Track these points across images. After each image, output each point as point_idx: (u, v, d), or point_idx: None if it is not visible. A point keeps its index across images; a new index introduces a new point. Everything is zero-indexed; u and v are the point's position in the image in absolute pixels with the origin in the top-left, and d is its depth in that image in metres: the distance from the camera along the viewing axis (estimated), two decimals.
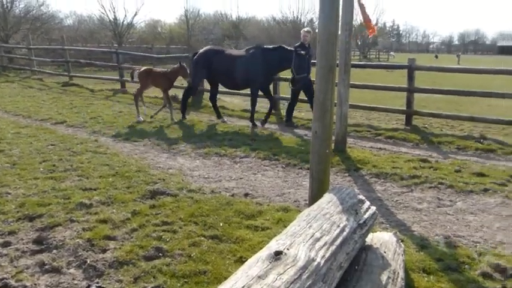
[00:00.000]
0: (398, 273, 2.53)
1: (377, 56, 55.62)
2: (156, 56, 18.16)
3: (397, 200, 4.63)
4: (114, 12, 34.64)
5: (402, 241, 3.53)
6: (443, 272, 3.06)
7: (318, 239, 2.03)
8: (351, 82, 6.65)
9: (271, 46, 8.28)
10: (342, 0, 5.66)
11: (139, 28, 42.79)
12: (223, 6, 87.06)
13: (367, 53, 57.15)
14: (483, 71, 9.09)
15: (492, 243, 3.61)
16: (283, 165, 5.80)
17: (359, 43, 52.73)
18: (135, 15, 35.98)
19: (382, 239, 2.91)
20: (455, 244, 3.56)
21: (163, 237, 3.57)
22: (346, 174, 5.47)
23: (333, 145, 6.56)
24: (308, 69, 8.03)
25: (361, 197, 2.79)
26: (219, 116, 8.94)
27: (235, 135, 7.56)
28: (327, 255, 1.96)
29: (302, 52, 7.70)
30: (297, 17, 52.28)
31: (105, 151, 6.36)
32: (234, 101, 11.82)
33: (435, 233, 3.81)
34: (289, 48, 8.01)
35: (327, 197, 2.68)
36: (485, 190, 4.82)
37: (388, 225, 3.97)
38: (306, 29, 8.68)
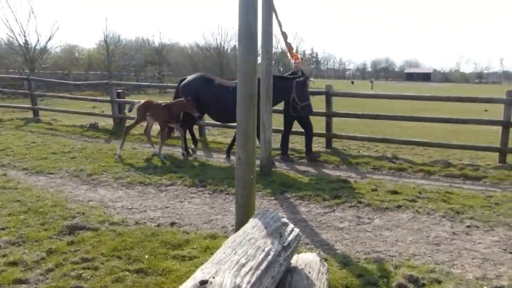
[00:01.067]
0: None
1: None
2: (73, 82, 17.33)
3: (320, 220, 4.81)
4: (24, 36, 32.44)
5: (326, 260, 3.68)
6: (364, 287, 3.22)
7: (243, 265, 2.05)
8: (274, 108, 6.91)
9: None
10: (261, 29, 5.92)
11: (55, 53, 40.65)
12: (145, 33, 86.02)
13: None
14: (392, 96, 9.92)
15: (406, 256, 3.88)
16: (210, 192, 5.79)
17: (281, 69, 54.73)
18: (49, 39, 34.06)
19: (306, 259, 3.00)
20: (374, 259, 3.77)
21: (83, 275, 3.35)
22: (272, 198, 5.59)
23: (258, 170, 6.73)
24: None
25: (285, 220, 2.87)
26: (188, 147, 8.21)
27: (160, 162, 7.41)
28: (253, 280, 1.98)
29: (301, 79, 7.33)
30: (220, 44, 53.35)
31: (16, 186, 5.88)
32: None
33: (356, 250, 4.01)
34: (286, 76, 7.77)
35: (252, 222, 2.72)
36: (399, 206, 5.20)
37: (313, 246, 4.10)
38: (296, 54, 8.30)
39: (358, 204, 5.28)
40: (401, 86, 60.56)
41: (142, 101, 8.08)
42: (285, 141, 8.13)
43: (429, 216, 4.93)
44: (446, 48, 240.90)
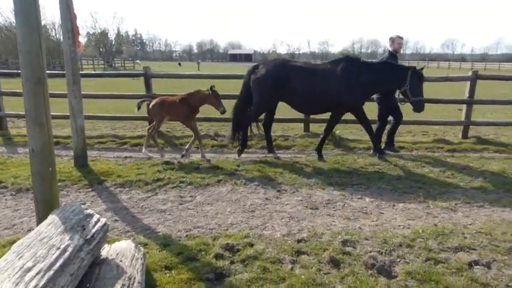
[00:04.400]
0: (135, 278, 2.54)
1: (123, 64, 55.30)
2: None
3: (142, 206, 4.70)
4: None
5: (146, 245, 3.62)
6: (183, 264, 3.28)
7: (29, 269, 1.83)
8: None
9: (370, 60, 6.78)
10: (60, 6, 5.33)
11: None
12: None
13: (112, 62, 56.23)
14: (215, 76, 10.20)
15: (224, 227, 4.09)
16: (13, 193, 5.06)
17: (102, 51, 51.15)
18: None
19: (119, 248, 2.88)
20: (194, 235, 3.87)
21: None
22: (90, 189, 5.21)
23: (72, 161, 6.18)
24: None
25: (88, 211, 2.67)
26: (271, 150, 6.99)
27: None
28: (42, 283, 1.79)
29: (419, 70, 6.35)
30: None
31: None
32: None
33: (178, 229, 4.05)
34: (398, 64, 6.65)
35: (49, 219, 2.46)
36: (219, 181, 5.45)
37: (133, 232, 3.98)
38: (399, 35, 7.01)
39: (181, 184, 5.33)
40: (226, 67, 63.37)
41: (156, 100, 6.67)
42: (381, 134, 7.11)
43: (246, 186, 5.30)
44: (264, 31, 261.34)
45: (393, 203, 4.78)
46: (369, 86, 6.35)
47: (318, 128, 8.57)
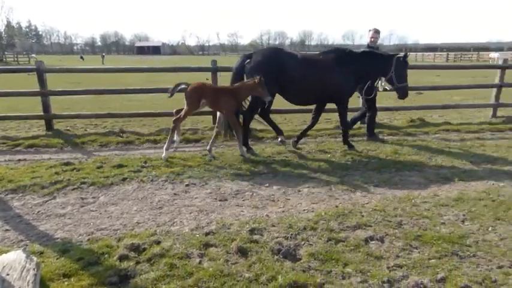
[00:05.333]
0: None
1: (16, 59, 50.20)
2: None
3: (39, 211, 4.33)
4: None
5: (42, 253, 3.35)
6: (84, 270, 3.08)
7: None
8: None
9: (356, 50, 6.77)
10: None
11: None
12: None
13: (3, 56, 50.85)
14: (108, 70, 9.70)
15: (130, 226, 3.93)
16: None
17: None
18: None
19: (6, 260, 2.62)
20: (97, 238, 3.67)
21: None
22: None
23: None
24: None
25: None
26: (280, 132, 7.24)
27: None
28: None
29: (402, 56, 6.57)
30: None
31: None
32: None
33: (79, 233, 3.80)
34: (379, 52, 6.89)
35: None
36: (124, 179, 5.22)
37: (28, 241, 3.65)
38: (374, 28, 7.47)
39: (82, 185, 5.01)
40: (133, 60, 60.85)
41: (194, 84, 6.01)
42: (373, 122, 7.63)
43: (153, 183, 5.14)
44: (171, 21, 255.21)
45: (299, 189, 4.98)
46: (360, 75, 6.60)
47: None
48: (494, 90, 9.72)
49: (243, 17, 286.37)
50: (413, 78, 8.59)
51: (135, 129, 8.37)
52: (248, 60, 6.45)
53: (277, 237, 3.61)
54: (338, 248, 3.44)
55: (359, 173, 5.59)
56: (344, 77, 6.44)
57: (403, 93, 6.72)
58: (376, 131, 7.87)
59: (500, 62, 9.91)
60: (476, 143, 7.33)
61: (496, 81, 9.70)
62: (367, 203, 4.51)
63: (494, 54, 47.80)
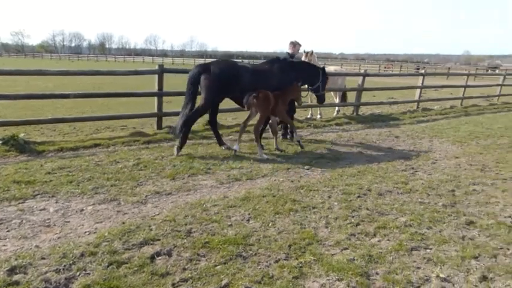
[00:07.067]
0: None
1: None
2: None
3: None
4: None
5: None
6: None
7: None
8: None
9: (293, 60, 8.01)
10: None
11: None
12: None
13: None
14: None
15: None
16: None
17: None
18: None
19: None
20: None
21: None
22: None
23: None
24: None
25: None
26: (221, 143, 7.31)
27: None
28: None
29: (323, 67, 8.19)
30: None
31: None
32: None
33: None
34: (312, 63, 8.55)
35: None
36: None
37: None
38: (295, 41, 8.41)
39: None
40: None
41: (263, 92, 6.71)
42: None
43: None
44: None
45: (82, 207, 4.40)
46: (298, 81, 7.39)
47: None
48: None
49: (30, 14, 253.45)
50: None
51: None
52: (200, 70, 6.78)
53: (45, 273, 3.03)
54: (120, 272, 3.08)
55: (151, 182, 5.32)
56: (286, 82, 7.20)
57: (322, 99, 8.14)
58: (170, 136, 7.75)
59: None
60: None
61: None
62: (157, 214, 4.27)
63: None
